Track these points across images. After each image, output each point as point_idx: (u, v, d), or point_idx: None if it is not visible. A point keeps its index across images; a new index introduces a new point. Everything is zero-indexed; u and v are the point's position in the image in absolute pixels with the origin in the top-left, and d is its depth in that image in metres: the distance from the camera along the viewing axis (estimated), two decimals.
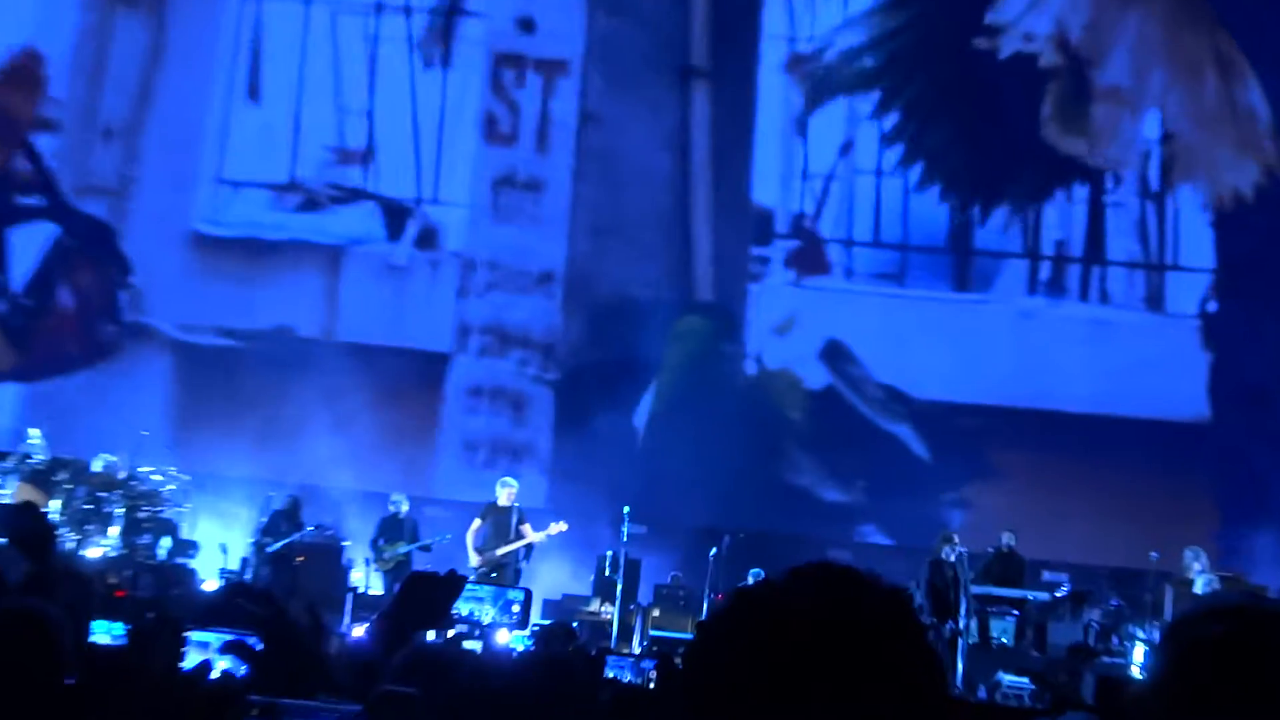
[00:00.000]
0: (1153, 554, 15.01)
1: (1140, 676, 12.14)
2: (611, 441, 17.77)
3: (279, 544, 15.66)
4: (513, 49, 19.32)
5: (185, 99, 19.47)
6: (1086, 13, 18.40)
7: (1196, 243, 18.08)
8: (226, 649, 4.34)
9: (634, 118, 18.80)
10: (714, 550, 15.55)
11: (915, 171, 18.56)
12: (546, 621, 13.82)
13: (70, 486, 15.38)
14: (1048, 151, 18.22)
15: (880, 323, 18.26)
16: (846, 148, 18.83)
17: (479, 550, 15.18)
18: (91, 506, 15.23)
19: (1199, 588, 13.89)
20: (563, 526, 15.29)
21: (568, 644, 9.83)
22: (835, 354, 18.31)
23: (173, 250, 19.23)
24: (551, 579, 16.17)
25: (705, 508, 16.99)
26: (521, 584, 14.95)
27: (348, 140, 19.37)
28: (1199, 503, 16.96)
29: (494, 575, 14.97)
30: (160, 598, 12.92)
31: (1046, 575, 16.33)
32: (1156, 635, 13.01)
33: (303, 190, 19.36)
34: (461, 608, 13.26)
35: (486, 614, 13.88)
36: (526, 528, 15.26)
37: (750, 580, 12.76)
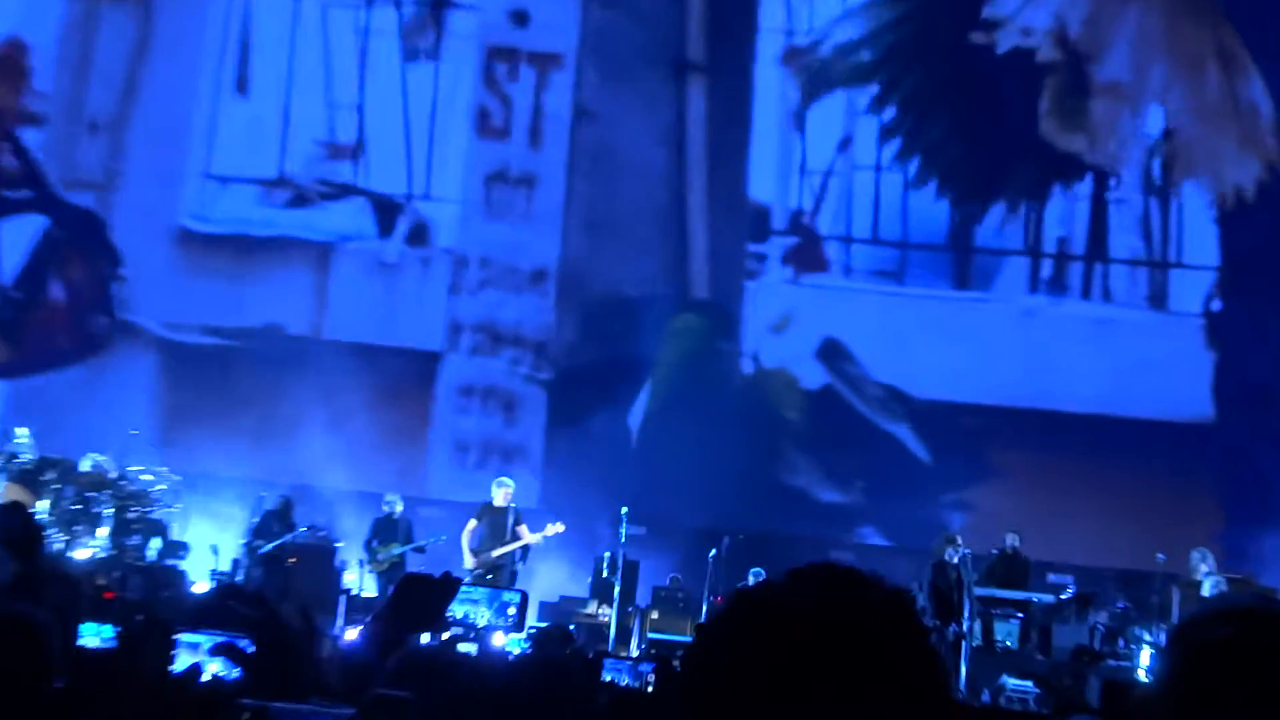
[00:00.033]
0: (1159, 556, 14.92)
1: (1146, 679, 12.05)
2: (606, 441, 17.68)
3: (271, 545, 15.57)
4: (506, 42, 19.14)
5: (172, 92, 19.28)
6: (1085, 7, 18.29)
7: (1200, 240, 17.98)
8: (217, 651, 4.26)
9: (629, 112, 18.63)
10: (713, 552, 15.47)
11: (912, 166, 18.40)
12: (543, 624, 13.68)
13: (58, 486, 15.26)
14: (1046, 148, 18.10)
15: (879, 321, 18.12)
16: (845, 143, 18.66)
17: (474, 552, 15.05)
18: (80, 507, 15.13)
19: (1206, 590, 13.82)
20: (560, 528, 15.16)
21: (564, 647, 9.76)
22: (833, 353, 18.16)
23: (159, 246, 19.06)
24: (548, 581, 16.10)
25: (702, 508, 16.86)
26: (518, 586, 14.83)
27: (338, 135, 19.21)
28: (1203, 503, 16.87)
29: (490, 577, 14.86)
30: (150, 599, 12.95)
31: (1051, 577, 16.25)
32: (1163, 638, 12.91)
33: (292, 186, 19.18)
34: (456, 610, 13.11)
35: (482, 616, 13.77)
36: (523, 529, 15.12)
37: (751, 580, 12.64)
